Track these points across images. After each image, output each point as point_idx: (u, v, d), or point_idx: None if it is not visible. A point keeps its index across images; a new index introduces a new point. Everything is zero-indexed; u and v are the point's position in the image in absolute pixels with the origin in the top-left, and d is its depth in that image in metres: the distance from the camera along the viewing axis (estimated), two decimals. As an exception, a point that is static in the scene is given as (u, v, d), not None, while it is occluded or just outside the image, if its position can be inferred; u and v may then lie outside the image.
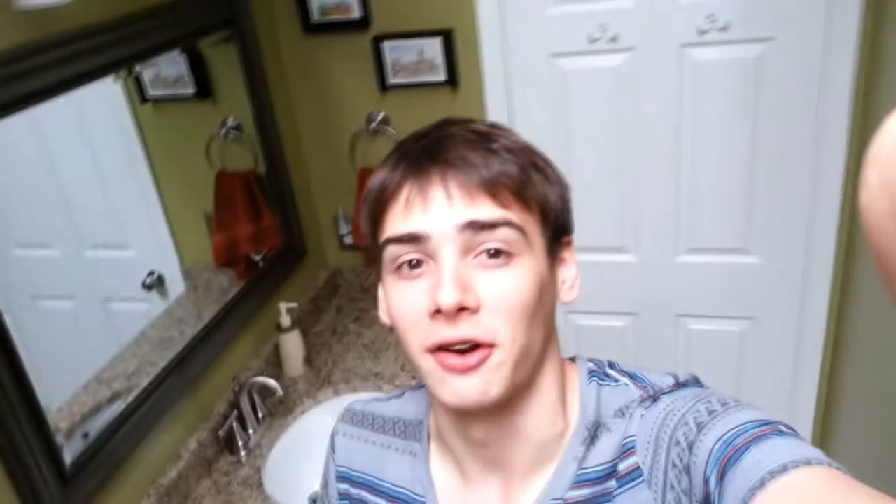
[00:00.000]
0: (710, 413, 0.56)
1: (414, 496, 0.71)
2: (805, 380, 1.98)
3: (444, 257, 0.58)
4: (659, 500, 0.57)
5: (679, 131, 1.80)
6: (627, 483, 0.60)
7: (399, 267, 0.60)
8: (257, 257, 1.84)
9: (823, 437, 2.00)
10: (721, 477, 0.50)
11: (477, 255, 0.58)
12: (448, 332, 0.57)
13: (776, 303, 1.93)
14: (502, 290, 0.58)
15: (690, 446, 0.55)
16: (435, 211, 0.58)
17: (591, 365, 0.68)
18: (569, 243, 0.66)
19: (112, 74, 1.33)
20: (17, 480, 1.10)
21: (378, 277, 0.65)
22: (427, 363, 0.59)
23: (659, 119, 1.80)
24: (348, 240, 2.11)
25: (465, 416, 0.64)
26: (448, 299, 0.55)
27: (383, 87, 1.88)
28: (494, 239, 0.58)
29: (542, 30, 1.77)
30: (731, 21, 1.64)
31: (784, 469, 0.47)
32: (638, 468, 0.59)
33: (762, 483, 0.47)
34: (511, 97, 1.86)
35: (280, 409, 1.70)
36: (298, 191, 1.98)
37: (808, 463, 0.47)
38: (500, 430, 0.63)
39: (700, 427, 0.55)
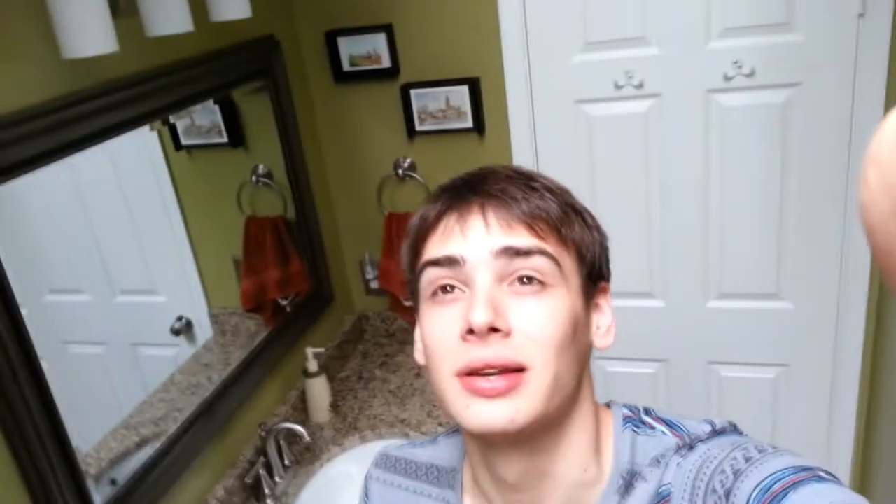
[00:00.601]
0: (746, 460, 0.55)
1: None
2: (841, 427, 1.92)
3: (479, 281, 0.58)
4: None
5: (707, 176, 1.79)
6: None
7: (434, 292, 0.60)
8: (284, 302, 1.84)
9: (862, 486, 1.94)
10: None
11: (511, 283, 0.58)
12: (480, 352, 0.56)
13: (809, 349, 1.89)
14: (535, 317, 0.57)
15: (727, 494, 0.54)
16: (472, 237, 0.59)
17: (626, 411, 0.67)
18: (605, 290, 0.66)
19: (149, 123, 1.36)
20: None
21: (416, 313, 0.65)
22: (454, 387, 0.58)
23: (686, 164, 1.80)
24: (374, 284, 2.12)
25: (495, 451, 0.62)
26: (480, 318, 0.55)
27: (411, 133, 1.90)
28: (529, 266, 0.58)
29: (567, 77, 1.79)
30: (757, 67, 1.65)
31: None
32: None
33: None
34: (537, 143, 1.87)
35: (307, 457, 1.68)
36: (326, 236, 2.00)
37: None
38: (530, 471, 0.62)
39: (737, 474, 0.54)
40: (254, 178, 1.74)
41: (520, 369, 0.56)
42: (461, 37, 1.80)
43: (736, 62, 1.66)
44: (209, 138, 1.60)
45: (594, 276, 0.64)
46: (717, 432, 0.62)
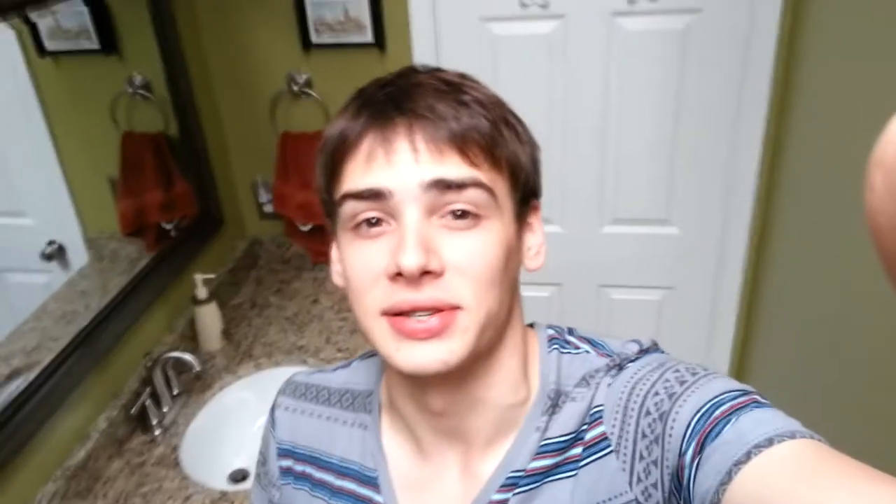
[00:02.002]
0: (681, 383, 0.55)
1: (365, 470, 0.66)
2: (719, 346, 2.05)
3: (408, 217, 0.53)
4: (627, 469, 0.55)
5: (606, 101, 1.80)
6: (594, 452, 0.58)
7: (357, 225, 0.55)
8: (169, 226, 1.73)
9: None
10: (700, 450, 0.49)
11: (442, 216, 0.54)
12: (409, 296, 0.53)
13: (694, 272, 1.98)
14: (469, 254, 0.54)
15: (663, 416, 0.53)
16: (399, 166, 0.53)
17: (550, 332, 0.66)
18: (536, 208, 0.63)
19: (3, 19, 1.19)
20: None
21: (332, 235, 0.60)
22: (381, 327, 0.54)
23: (587, 88, 1.79)
24: (268, 208, 2.02)
25: (422, 384, 0.60)
26: (412, 262, 0.51)
27: (306, 46, 1.79)
28: (462, 200, 0.54)
29: (472, -7, 1.73)
30: (660, -9, 1.65)
31: (770, 442, 0.46)
32: (605, 437, 0.57)
33: (748, 456, 0.45)
34: (440, 61, 1.81)
35: (197, 386, 1.61)
36: (214, 155, 1.87)
37: (792, 436, 0.46)
38: (459, 399, 0.60)
39: (672, 397, 0.54)
40: (130, 89, 1.58)
41: (452, 308, 0.53)
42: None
43: (639, -15, 1.65)
44: (77, 43, 1.44)
45: (527, 196, 0.61)
46: (643, 351, 0.62)
